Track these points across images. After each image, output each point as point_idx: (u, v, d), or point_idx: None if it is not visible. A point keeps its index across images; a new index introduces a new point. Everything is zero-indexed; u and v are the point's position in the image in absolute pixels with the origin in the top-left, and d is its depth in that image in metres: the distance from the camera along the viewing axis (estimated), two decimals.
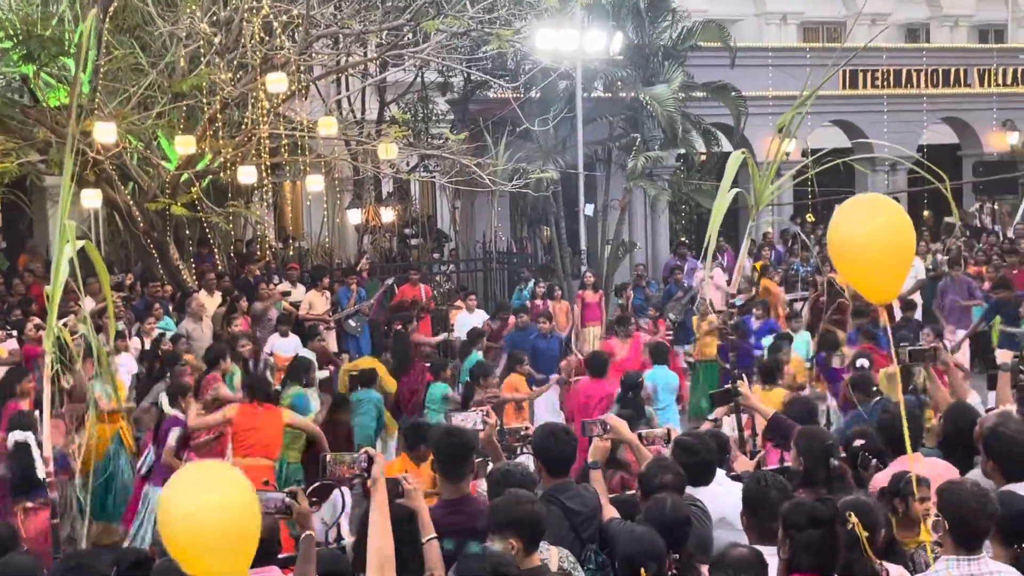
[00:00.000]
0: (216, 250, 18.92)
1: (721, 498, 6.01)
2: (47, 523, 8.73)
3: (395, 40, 18.80)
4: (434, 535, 5.16)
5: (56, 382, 6.08)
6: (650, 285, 21.38)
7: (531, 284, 19.08)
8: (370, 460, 5.08)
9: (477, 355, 14.23)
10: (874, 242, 5.38)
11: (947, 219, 26.55)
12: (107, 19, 15.44)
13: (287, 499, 5.04)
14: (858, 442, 6.34)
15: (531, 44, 19.96)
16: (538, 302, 17.64)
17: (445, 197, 24.42)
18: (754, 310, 16.27)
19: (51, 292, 5.12)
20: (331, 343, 16.88)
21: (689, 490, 6.02)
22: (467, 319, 16.78)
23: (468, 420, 6.13)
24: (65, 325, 5.29)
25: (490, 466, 6.00)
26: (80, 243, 5.20)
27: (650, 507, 5.40)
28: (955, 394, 7.86)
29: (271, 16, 16.46)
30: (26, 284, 16.97)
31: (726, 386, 7.56)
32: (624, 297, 19.02)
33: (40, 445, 8.60)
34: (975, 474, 6.04)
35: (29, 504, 9.75)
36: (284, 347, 14.76)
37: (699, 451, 6.17)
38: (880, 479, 6.09)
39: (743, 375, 8.26)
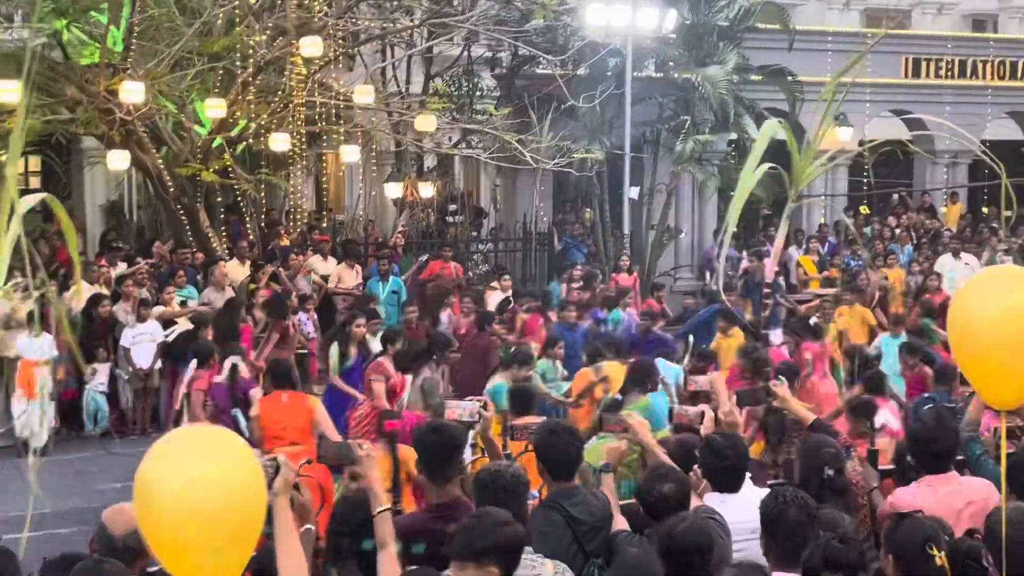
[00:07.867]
0: (248, 219, 18.48)
1: (752, 508, 5.16)
2: None
3: (439, 8, 18.22)
4: (387, 507, 4.49)
5: None
6: None
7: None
8: (276, 469, 4.23)
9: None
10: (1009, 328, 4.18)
11: (1007, 213, 25.45)
12: None
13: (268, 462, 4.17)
14: None
15: (581, 19, 19.29)
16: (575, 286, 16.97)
17: (486, 174, 23.82)
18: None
19: None
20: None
21: (716, 497, 5.41)
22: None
23: (463, 410, 5.40)
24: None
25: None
26: (40, 196, 4.66)
27: (660, 528, 4.69)
28: None
29: None
30: (52, 247, 16.59)
31: (760, 384, 6.85)
32: None
33: None
34: None
35: None
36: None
37: (728, 455, 5.53)
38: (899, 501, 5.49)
39: (780, 376, 7.49)
